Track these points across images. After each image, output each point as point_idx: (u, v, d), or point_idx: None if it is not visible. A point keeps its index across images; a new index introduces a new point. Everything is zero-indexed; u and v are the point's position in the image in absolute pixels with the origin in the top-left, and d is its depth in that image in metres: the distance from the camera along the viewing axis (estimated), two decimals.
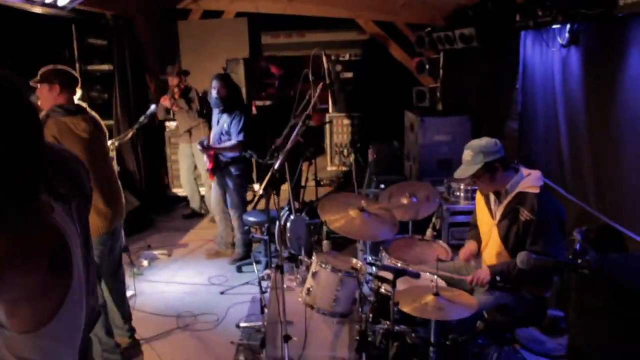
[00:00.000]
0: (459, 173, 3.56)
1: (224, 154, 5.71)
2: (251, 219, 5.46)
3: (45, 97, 3.67)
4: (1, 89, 1.31)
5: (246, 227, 5.81)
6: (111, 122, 7.38)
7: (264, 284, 4.51)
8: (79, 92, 3.83)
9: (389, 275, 3.07)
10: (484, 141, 3.51)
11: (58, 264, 1.33)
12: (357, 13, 8.28)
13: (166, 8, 8.33)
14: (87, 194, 1.66)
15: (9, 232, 1.24)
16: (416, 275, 3.10)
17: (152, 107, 5.61)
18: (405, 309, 2.95)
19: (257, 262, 5.69)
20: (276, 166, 3.12)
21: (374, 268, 3.54)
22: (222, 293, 5.29)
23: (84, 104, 3.84)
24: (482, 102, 6.55)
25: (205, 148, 5.62)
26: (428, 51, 7.89)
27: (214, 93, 5.66)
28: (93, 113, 3.88)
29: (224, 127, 5.71)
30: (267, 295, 4.10)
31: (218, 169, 5.76)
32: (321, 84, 3.76)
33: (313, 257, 3.53)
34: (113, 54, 7.43)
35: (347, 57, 8.90)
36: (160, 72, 7.94)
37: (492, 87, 6.26)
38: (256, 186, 8.03)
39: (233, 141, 5.64)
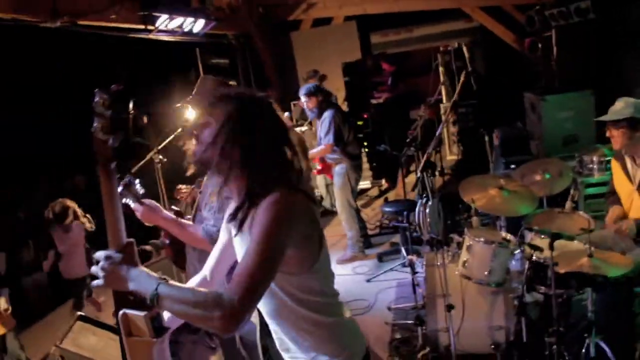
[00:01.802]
0: (603, 116, 3.66)
1: (327, 156, 6.10)
2: (389, 209, 5.77)
3: None
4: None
5: (360, 225, 6.25)
6: None
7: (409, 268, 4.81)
8: None
9: (541, 243, 3.27)
10: (633, 100, 3.63)
11: (313, 218, 1.82)
12: (463, 2, 8.37)
13: (278, 22, 8.84)
14: None
15: (291, 193, 1.75)
16: (571, 238, 3.27)
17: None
18: (563, 270, 3.14)
19: (397, 251, 6.01)
20: (430, 149, 3.42)
21: (529, 236, 3.73)
22: (368, 281, 5.64)
23: None
24: (605, 74, 6.48)
25: None
26: (539, 30, 7.85)
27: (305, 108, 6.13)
28: None
29: (319, 133, 6.13)
30: (418, 277, 4.40)
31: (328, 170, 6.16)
32: (464, 72, 4.00)
33: (466, 232, 3.79)
34: (236, 70, 8.05)
35: (455, 45, 9.02)
36: (278, 82, 8.48)
37: (614, 56, 6.19)
38: (383, 181, 8.39)
39: (322, 145, 6.01)
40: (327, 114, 5.98)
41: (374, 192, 8.79)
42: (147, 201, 2.84)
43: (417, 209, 4.92)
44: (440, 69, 4.55)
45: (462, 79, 3.91)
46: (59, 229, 5.59)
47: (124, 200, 2.79)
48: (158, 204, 2.88)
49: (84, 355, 4.10)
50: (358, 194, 8.25)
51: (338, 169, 6.09)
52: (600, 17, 5.96)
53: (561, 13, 6.62)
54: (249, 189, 1.77)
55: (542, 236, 3.91)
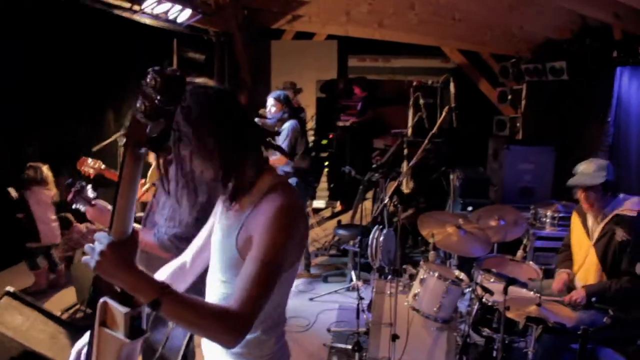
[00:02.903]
0: (575, 179, 3.72)
1: (279, 168, 6.00)
2: (342, 231, 5.74)
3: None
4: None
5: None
6: None
7: (354, 293, 4.81)
8: None
9: (490, 287, 3.30)
10: (604, 162, 3.72)
11: (305, 222, 1.77)
12: (444, 41, 8.53)
13: (261, 27, 8.80)
14: None
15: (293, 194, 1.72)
16: (524, 285, 3.31)
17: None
18: (511, 315, 3.16)
19: (343, 274, 5.98)
20: (400, 179, 3.41)
21: (478, 277, 3.76)
22: (310, 300, 5.58)
23: None
24: (568, 133, 6.68)
25: None
26: (511, 82, 8.08)
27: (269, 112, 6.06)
28: None
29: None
30: (363, 303, 4.39)
31: None
32: (447, 107, 4.03)
33: (421, 265, 3.79)
34: (211, 67, 7.94)
35: (429, 83, 9.17)
36: (252, 87, 8.41)
37: (580, 119, 6.39)
38: (337, 203, 8.38)
39: (276, 156, 5.91)
40: (288, 125, 5.94)
41: (327, 212, 8.77)
42: (98, 203, 2.82)
43: (371, 236, 4.90)
44: (421, 102, 4.58)
45: (444, 113, 3.95)
46: (34, 190, 5.61)
47: (74, 206, 2.78)
48: (108, 206, 2.84)
49: (6, 335, 3.86)
50: (312, 212, 8.26)
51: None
52: (572, 80, 6.16)
53: (536, 69, 6.82)
54: (224, 170, 1.68)
55: (492, 280, 3.95)
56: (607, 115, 5.69)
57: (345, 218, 8.19)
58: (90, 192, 2.77)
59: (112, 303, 1.57)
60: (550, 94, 7.25)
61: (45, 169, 5.67)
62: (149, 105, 1.46)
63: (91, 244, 1.54)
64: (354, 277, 5.34)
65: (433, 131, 3.71)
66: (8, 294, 4.15)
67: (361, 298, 4.40)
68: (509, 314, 3.20)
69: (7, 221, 5.69)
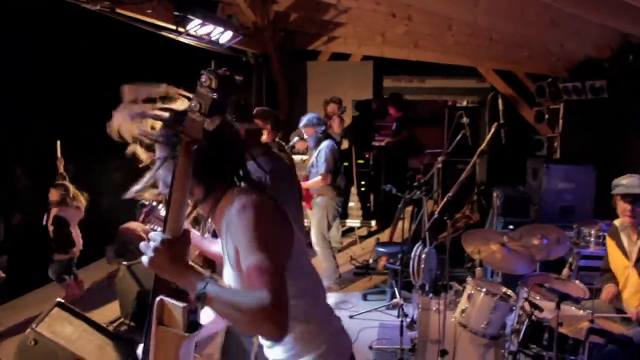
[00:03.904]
0: (628, 189, 3.72)
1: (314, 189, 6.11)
2: (383, 249, 5.76)
3: None
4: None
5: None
6: None
7: (395, 311, 4.81)
8: None
9: (541, 304, 3.28)
10: None
11: (284, 215, 1.79)
12: (479, 62, 8.56)
13: (298, 49, 8.96)
14: None
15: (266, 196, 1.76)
16: (577, 301, 3.29)
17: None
18: (564, 331, 3.14)
19: (382, 292, 5.99)
20: (451, 193, 3.44)
21: (524, 294, 3.74)
22: (351, 317, 5.58)
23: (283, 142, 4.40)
24: (608, 152, 6.61)
25: None
26: (547, 101, 8.04)
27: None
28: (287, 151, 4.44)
29: (313, 161, 6.12)
30: (408, 319, 4.39)
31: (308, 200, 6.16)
32: (495, 124, 4.06)
33: (469, 281, 3.78)
34: (250, 88, 8.10)
35: (464, 103, 9.18)
36: (288, 108, 8.55)
37: (622, 137, 6.34)
38: (373, 222, 8.41)
39: (318, 176, 6.00)
40: (324, 145, 6.02)
41: (363, 232, 8.77)
42: None
43: (413, 253, 4.90)
44: (463, 120, 4.60)
45: (493, 129, 3.97)
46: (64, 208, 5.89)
47: (149, 226, 2.79)
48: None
49: (59, 344, 3.97)
50: (346, 231, 8.30)
51: (319, 201, 6.10)
52: (613, 98, 6.12)
53: (575, 88, 6.79)
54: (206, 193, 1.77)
55: (538, 297, 3.92)
56: None
57: (382, 237, 8.18)
58: (162, 212, 2.80)
59: (168, 300, 1.65)
60: (589, 113, 7.20)
61: (72, 188, 5.94)
62: (206, 103, 1.60)
63: (146, 242, 1.65)
64: (397, 294, 5.33)
65: (482, 147, 3.75)
66: (59, 304, 4.26)
67: (405, 315, 4.40)
68: (562, 330, 3.18)
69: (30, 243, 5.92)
